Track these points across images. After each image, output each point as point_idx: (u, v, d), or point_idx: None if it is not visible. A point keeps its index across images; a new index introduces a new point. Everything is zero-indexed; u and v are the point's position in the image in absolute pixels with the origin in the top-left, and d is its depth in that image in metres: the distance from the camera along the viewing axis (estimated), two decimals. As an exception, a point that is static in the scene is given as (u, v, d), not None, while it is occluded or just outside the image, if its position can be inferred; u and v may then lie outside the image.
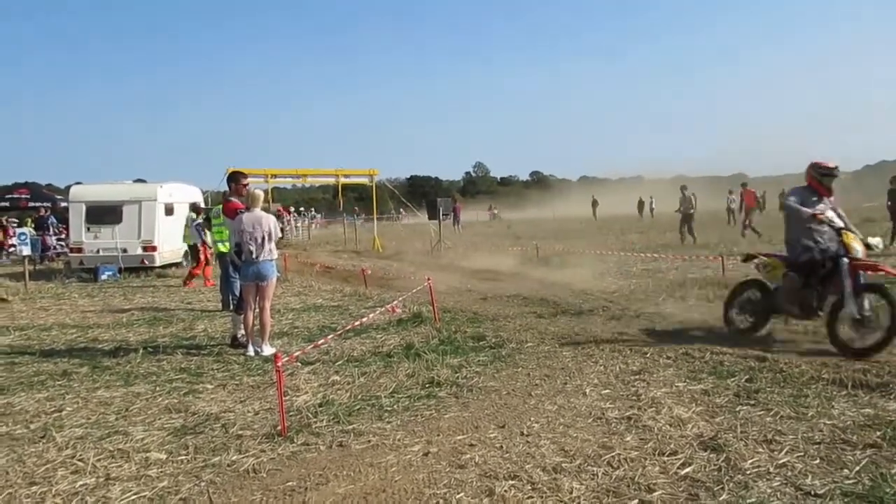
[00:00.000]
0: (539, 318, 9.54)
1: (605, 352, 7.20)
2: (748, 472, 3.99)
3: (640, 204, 48.52)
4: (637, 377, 6.16)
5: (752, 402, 5.31)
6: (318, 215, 48.62)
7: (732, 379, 5.92)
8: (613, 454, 4.36)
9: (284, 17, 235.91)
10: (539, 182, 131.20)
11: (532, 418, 5.19)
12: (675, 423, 4.90)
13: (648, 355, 6.94)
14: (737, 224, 23.14)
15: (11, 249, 22.07)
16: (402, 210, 40.93)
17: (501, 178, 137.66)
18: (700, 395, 5.57)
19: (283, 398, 5.38)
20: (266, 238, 7.71)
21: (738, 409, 5.16)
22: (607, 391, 5.79)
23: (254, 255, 7.68)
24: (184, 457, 4.68)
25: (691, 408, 5.22)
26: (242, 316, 8.07)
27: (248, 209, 7.82)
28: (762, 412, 5.05)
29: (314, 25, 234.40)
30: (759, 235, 21.05)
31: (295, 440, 4.89)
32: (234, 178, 8.43)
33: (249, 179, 9.06)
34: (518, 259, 18.42)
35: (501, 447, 4.62)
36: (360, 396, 5.92)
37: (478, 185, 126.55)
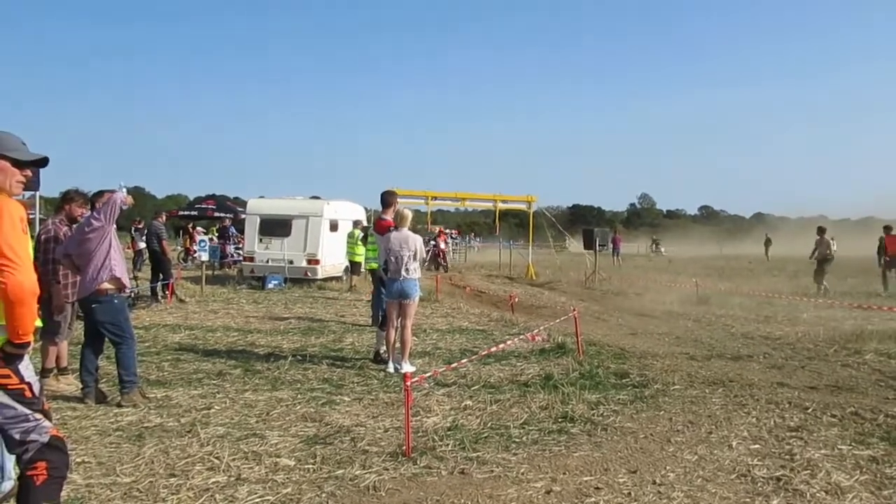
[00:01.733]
0: (690, 359, 8.97)
1: (761, 403, 6.61)
2: (917, 559, 3.46)
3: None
4: (793, 434, 5.58)
5: (931, 477, 4.63)
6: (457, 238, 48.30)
7: (909, 447, 5.21)
8: (755, 518, 3.95)
9: (453, 44, 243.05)
10: (708, 217, 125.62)
11: (668, 467, 4.83)
12: (833, 490, 4.37)
13: (810, 411, 6.28)
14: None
15: (195, 255, 24.13)
16: (567, 239, 40.13)
17: (668, 211, 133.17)
18: (867, 462, 4.93)
19: (413, 418, 5.40)
20: (411, 257, 7.84)
21: (912, 483, 4.52)
22: (757, 446, 5.28)
23: (398, 273, 7.84)
24: (310, 466, 4.78)
25: (854, 475, 4.63)
26: (385, 332, 8.23)
27: (396, 228, 8.00)
28: (942, 490, 4.39)
29: (482, 50, 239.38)
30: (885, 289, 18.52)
31: (418, 462, 4.86)
32: (386, 196, 8.68)
33: (408, 200, 9.26)
34: (675, 295, 17.57)
35: (630, 494, 4.32)
36: (489, 424, 5.80)
37: (642, 218, 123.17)
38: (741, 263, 36.74)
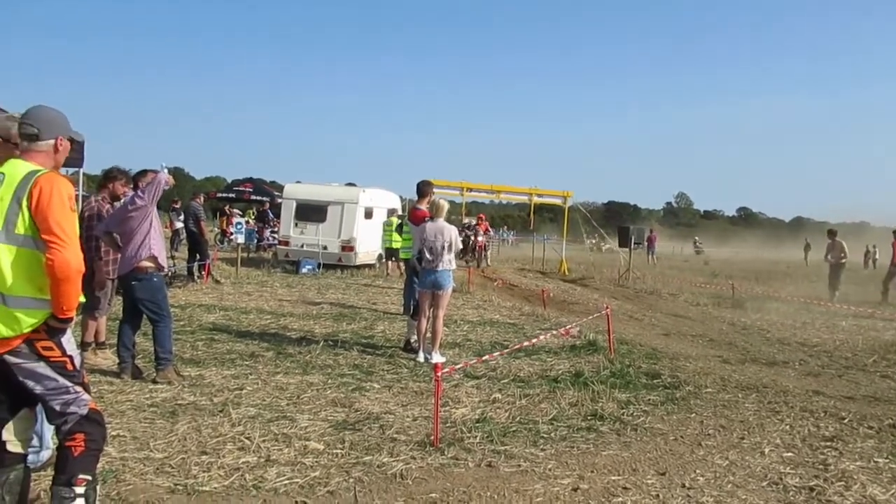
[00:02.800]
0: (724, 362, 8.85)
1: (795, 410, 6.50)
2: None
3: (866, 253, 43.76)
4: (828, 444, 5.47)
5: (971, 495, 4.51)
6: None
7: (949, 464, 5.08)
8: (786, 527, 3.88)
9: (509, 38, 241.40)
10: (746, 219, 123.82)
11: (698, 470, 4.78)
12: (867, 504, 4.28)
13: (846, 422, 6.16)
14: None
15: (231, 237, 24.45)
16: (602, 237, 39.58)
17: (705, 212, 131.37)
18: (904, 476, 4.83)
19: (442, 409, 5.40)
20: (446, 248, 7.85)
21: (950, 500, 4.40)
22: (790, 454, 5.19)
23: (432, 264, 7.85)
24: (339, 450, 4.82)
25: (891, 489, 4.53)
26: (417, 321, 8.26)
27: (432, 218, 8.01)
28: (982, 509, 4.27)
29: (523, 48, 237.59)
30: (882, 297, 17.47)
31: (446, 452, 4.87)
32: (422, 187, 8.70)
33: (443, 191, 9.29)
34: (710, 297, 17.33)
35: (658, 496, 4.28)
36: (518, 418, 5.79)
37: (678, 217, 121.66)
38: (779, 267, 36.10)
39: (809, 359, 9.40)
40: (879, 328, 12.90)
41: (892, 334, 11.90)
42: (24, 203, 3.06)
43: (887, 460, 5.13)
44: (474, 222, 27.17)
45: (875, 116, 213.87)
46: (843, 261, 18.04)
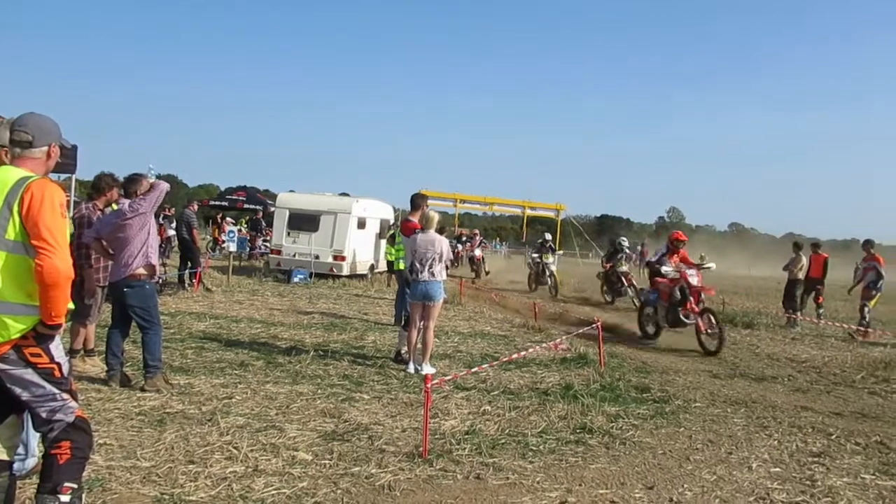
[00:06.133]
0: (713, 377, 8.88)
1: (783, 426, 6.52)
2: None
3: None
4: (815, 460, 5.49)
5: (956, 512, 4.53)
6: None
7: (935, 481, 5.10)
8: (772, 542, 3.89)
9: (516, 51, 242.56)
10: (737, 234, 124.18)
11: (685, 485, 4.79)
12: (854, 520, 4.29)
13: (833, 437, 6.18)
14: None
15: (223, 245, 24.43)
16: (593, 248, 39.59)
17: (696, 226, 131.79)
18: (890, 492, 4.85)
19: (431, 420, 5.41)
20: (436, 259, 7.86)
21: (936, 517, 4.43)
22: (777, 469, 5.21)
23: (423, 275, 7.86)
24: (327, 461, 4.81)
25: (876, 506, 4.55)
26: (408, 332, 8.26)
27: (423, 230, 8.03)
28: (967, 527, 4.29)
29: (518, 59, 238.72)
30: (818, 318, 16.09)
31: (434, 464, 4.87)
32: (416, 199, 8.74)
33: (436, 202, 9.30)
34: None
35: (645, 510, 4.29)
36: (507, 431, 5.79)
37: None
38: (769, 283, 36.20)
39: (798, 375, 9.44)
40: (868, 345, 12.95)
41: (881, 352, 11.94)
42: (16, 208, 3.06)
43: (874, 477, 5.15)
44: (475, 238, 27.52)
45: (868, 133, 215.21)
46: (801, 277, 16.78)
